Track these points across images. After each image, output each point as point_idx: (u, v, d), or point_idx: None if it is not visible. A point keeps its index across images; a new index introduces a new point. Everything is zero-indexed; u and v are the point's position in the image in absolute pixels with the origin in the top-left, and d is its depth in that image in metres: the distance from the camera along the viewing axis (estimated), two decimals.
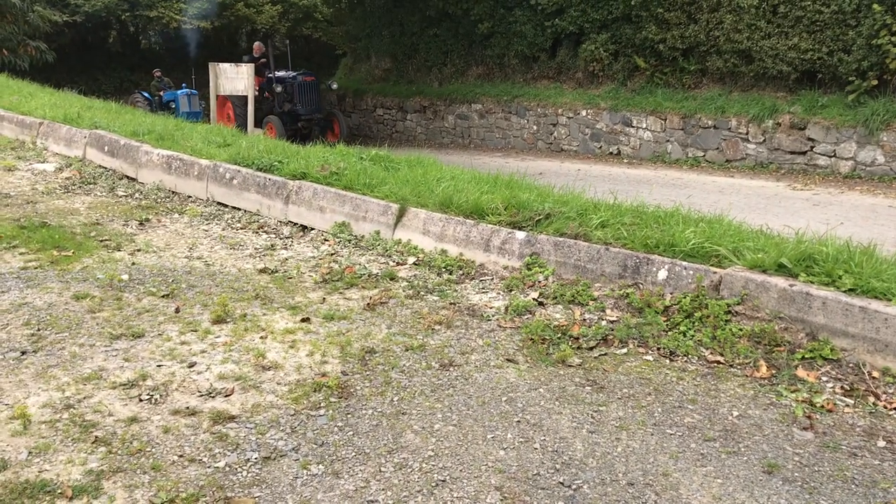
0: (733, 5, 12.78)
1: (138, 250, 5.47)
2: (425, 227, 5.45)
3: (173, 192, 7.29)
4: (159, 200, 7.08)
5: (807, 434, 3.02)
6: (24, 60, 21.27)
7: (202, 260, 5.32)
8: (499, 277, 4.87)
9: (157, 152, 7.60)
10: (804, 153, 11.99)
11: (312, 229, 6.08)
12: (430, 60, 19.17)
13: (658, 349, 3.83)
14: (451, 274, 4.98)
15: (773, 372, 3.53)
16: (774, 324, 3.71)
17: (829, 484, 2.70)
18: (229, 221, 6.40)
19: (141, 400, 3.27)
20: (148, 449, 2.89)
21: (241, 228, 6.22)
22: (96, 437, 2.96)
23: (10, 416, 3.08)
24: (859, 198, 9.87)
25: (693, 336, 3.86)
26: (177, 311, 4.28)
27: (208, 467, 2.78)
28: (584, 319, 4.19)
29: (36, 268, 4.96)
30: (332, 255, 5.47)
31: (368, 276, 4.96)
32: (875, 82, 11.32)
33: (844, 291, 3.60)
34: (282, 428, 3.06)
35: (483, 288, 4.77)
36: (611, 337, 3.97)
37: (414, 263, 5.20)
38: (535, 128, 16.20)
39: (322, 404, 3.26)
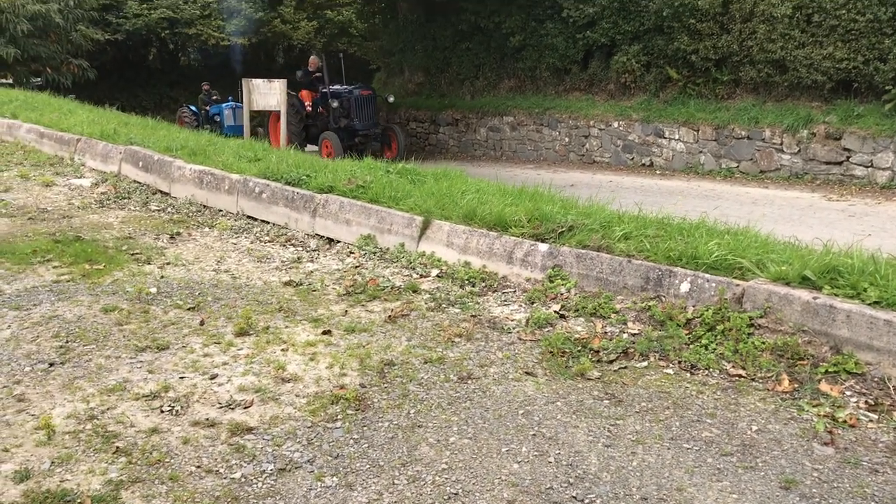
0: (766, 15, 12.65)
1: (168, 263, 5.57)
2: (449, 240, 5.47)
3: (204, 207, 7.41)
4: (190, 214, 7.20)
5: (827, 449, 2.97)
6: (67, 78, 21.85)
7: (229, 273, 5.40)
8: (521, 290, 4.87)
9: (190, 167, 7.74)
10: (840, 163, 11.80)
11: (339, 242, 6.14)
12: (463, 74, 19.25)
13: (679, 362, 3.80)
14: (473, 286, 4.99)
15: (796, 386, 3.47)
16: (798, 337, 3.66)
17: (847, 500, 2.65)
18: (258, 235, 6.48)
19: (162, 411, 3.33)
20: (167, 459, 2.94)
21: (269, 241, 6.30)
22: (117, 447, 3.01)
23: (36, 427, 3.15)
24: None
25: (715, 349, 3.82)
26: (201, 323, 4.35)
27: (224, 478, 2.82)
28: (606, 332, 4.16)
29: (68, 281, 5.07)
30: (356, 267, 5.51)
31: (391, 288, 4.99)
32: None
33: (869, 304, 3.54)
34: (298, 440, 3.09)
35: (505, 300, 4.77)
36: (631, 350, 3.94)
37: (437, 276, 5.22)
38: (566, 140, 16.17)
39: (339, 416, 3.28)
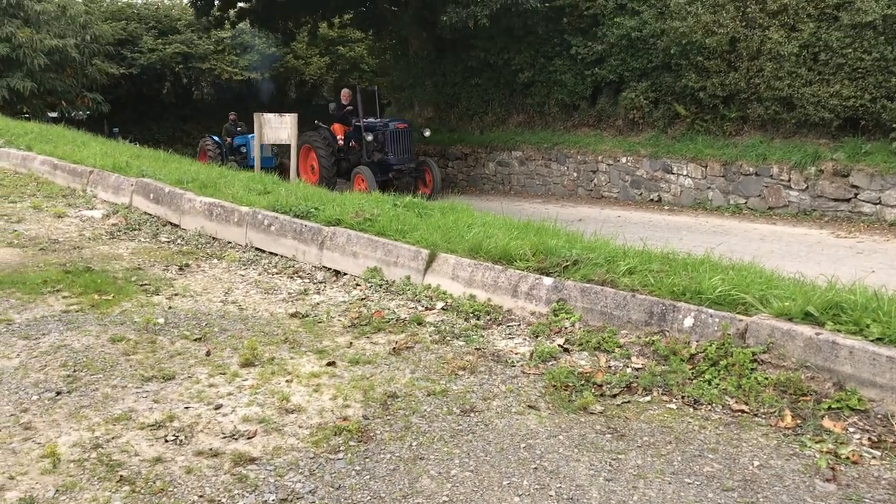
0: (773, 53, 12.79)
1: (176, 294, 5.62)
2: (454, 273, 5.50)
3: (214, 238, 7.48)
4: (200, 246, 7.26)
5: (829, 486, 2.96)
6: (81, 111, 22.14)
7: (236, 304, 5.44)
8: (526, 323, 4.89)
9: (200, 200, 7.83)
10: (848, 200, 11.83)
11: (345, 274, 6.18)
12: (472, 109, 19.45)
13: (682, 397, 3.80)
14: (478, 319, 5.01)
15: (799, 422, 3.47)
16: (801, 373, 3.66)
17: None
18: (266, 267, 6.54)
19: (167, 441, 3.35)
20: (170, 489, 2.96)
21: (277, 273, 6.35)
22: (121, 476, 3.03)
23: (41, 455, 3.18)
24: None
25: (718, 384, 3.82)
26: (208, 354, 4.38)
27: None
28: (609, 366, 4.17)
29: (77, 311, 5.13)
30: (362, 299, 5.55)
31: (396, 320, 5.02)
32: None
33: (872, 341, 3.54)
34: (300, 471, 3.10)
35: (510, 333, 4.78)
36: (635, 384, 3.94)
37: (442, 308, 5.25)
38: (575, 174, 16.27)
39: (341, 448, 3.29)
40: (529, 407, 3.73)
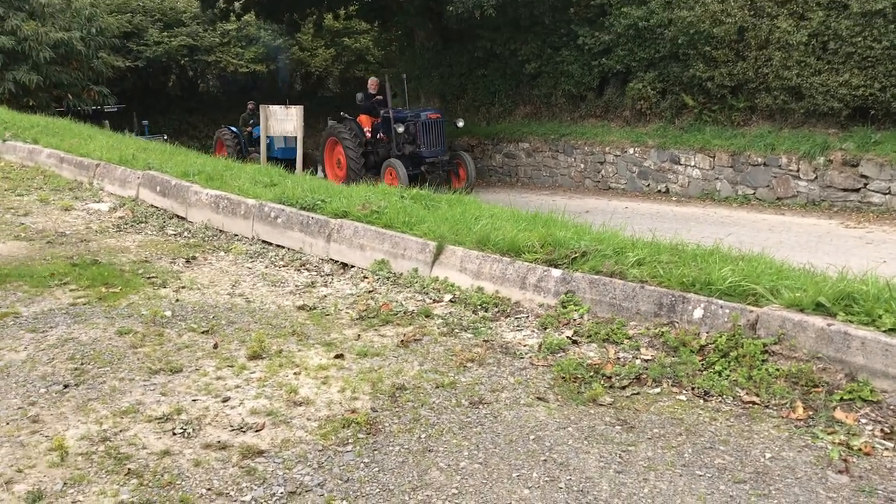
0: (782, 42, 12.69)
1: (183, 287, 5.61)
2: (462, 265, 5.48)
3: (220, 231, 7.47)
4: (206, 239, 7.25)
5: (842, 478, 2.93)
6: (87, 104, 22.14)
7: (243, 297, 5.43)
8: (534, 315, 4.86)
9: (206, 192, 7.81)
10: (857, 190, 11.74)
11: (353, 267, 6.16)
12: (478, 100, 19.39)
13: (692, 389, 3.77)
14: (486, 311, 4.99)
15: (810, 413, 3.44)
16: (812, 364, 3.63)
17: None
18: (272, 259, 6.52)
19: (174, 433, 3.34)
20: (178, 482, 2.95)
21: (284, 266, 6.33)
22: (129, 469, 3.03)
23: (49, 448, 3.17)
24: None
25: (728, 376, 3.79)
26: (215, 346, 4.37)
27: (235, 501, 2.82)
28: (618, 358, 4.15)
29: (84, 304, 5.12)
30: (370, 292, 5.53)
31: (404, 313, 5.00)
32: None
33: (884, 331, 3.51)
34: (309, 463, 3.09)
35: (518, 325, 4.76)
36: (644, 376, 3.92)
37: (450, 301, 5.23)
38: (582, 166, 16.20)
39: (350, 440, 3.28)
40: (538, 399, 3.71)
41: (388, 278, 5.79)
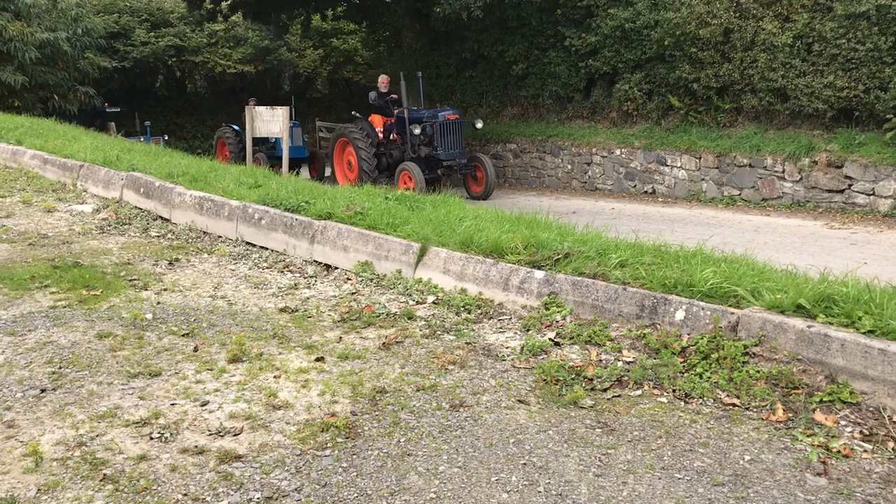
0: (767, 44, 12.75)
1: (165, 290, 5.57)
2: (446, 266, 5.46)
3: (204, 233, 7.43)
4: (190, 241, 7.21)
5: (820, 480, 2.93)
6: (74, 105, 22.01)
7: (225, 299, 5.40)
8: (517, 317, 4.85)
9: (190, 193, 7.77)
10: (842, 191, 11.81)
11: (336, 268, 6.14)
12: (466, 101, 19.39)
13: (673, 391, 3.77)
14: (469, 313, 4.97)
15: (790, 415, 3.44)
16: (792, 366, 3.63)
17: None
18: (256, 261, 6.49)
19: (152, 438, 3.31)
20: (154, 487, 2.92)
21: (267, 268, 6.30)
22: (105, 474, 2.99)
23: (24, 454, 3.13)
24: None
25: (709, 378, 3.79)
26: (195, 349, 4.33)
27: None
28: (600, 360, 4.14)
29: (64, 307, 5.07)
30: (353, 294, 5.51)
31: (387, 315, 4.98)
32: None
33: (864, 333, 3.51)
34: (287, 468, 3.07)
35: (500, 327, 4.75)
36: (626, 378, 3.91)
37: (433, 302, 5.21)
38: (569, 167, 16.23)
39: (328, 444, 3.26)
40: (519, 401, 3.70)
41: (371, 280, 5.77)
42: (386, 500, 2.84)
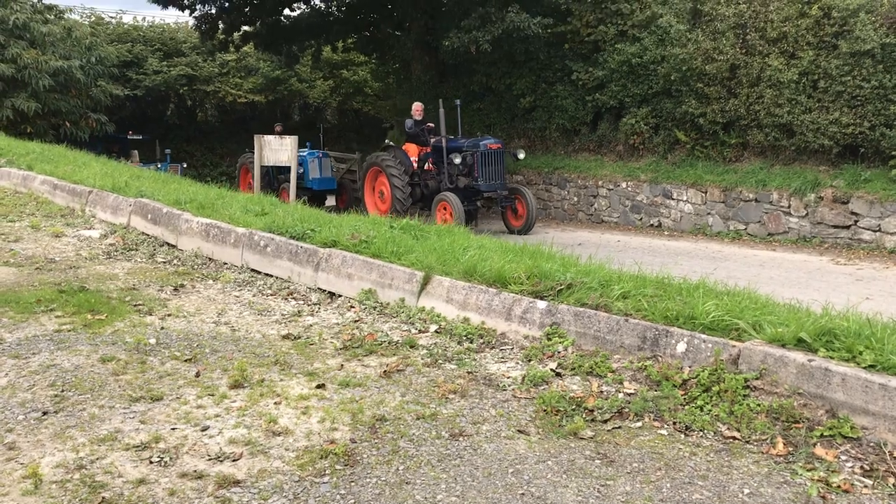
0: (773, 80, 12.84)
1: (169, 315, 5.60)
2: (449, 296, 5.48)
3: (210, 259, 7.47)
4: (196, 267, 7.25)
5: None
6: (85, 132, 22.27)
7: (229, 325, 5.42)
8: (519, 347, 4.86)
9: (197, 220, 7.83)
10: (848, 227, 11.81)
11: (340, 296, 6.16)
12: (474, 133, 19.50)
13: (674, 423, 3.76)
14: (471, 342, 4.98)
15: (790, 449, 3.43)
16: (793, 400, 3.62)
17: None
18: (260, 288, 6.52)
19: (151, 462, 3.31)
20: None
21: (272, 295, 6.33)
22: (103, 497, 3.00)
23: (24, 476, 3.14)
24: None
25: (710, 411, 3.78)
26: (197, 375, 4.35)
27: None
28: (601, 391, 4.14)
29: (69, 330, 5.10)
30: (355, 321, 5.52)
31: (389, 343, 4.99)
32: None
33: (865, 368, 3.51)
34: (285, 494, 3.07)
35: (502, 357, 4.75)
36: (626, 410, 3.90)
37: (435, 331, 5.22)
38: (575, 199, 16.29)
39: (327, 471, 3.26)
40: (519, 431, 3.70)
41: (374, 308, 5.78)
42: None
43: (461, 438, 3.60)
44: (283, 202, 10.07)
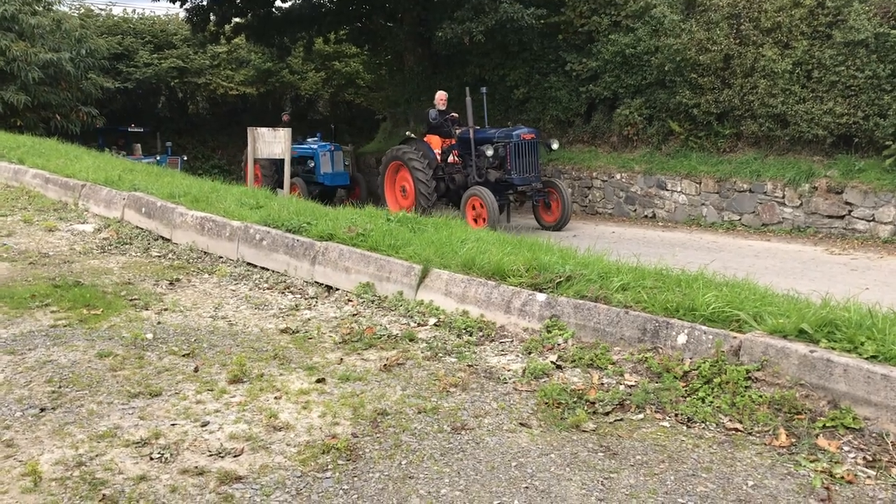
0: (767, 70, 12.83)
1: (165, 310, 5.56)
2: (447, 289, 5.46)
3: (205, 253, 7.43)
4: (191, 261, 7.21)
5: None
6: (76, 125, 22.11)
7: (226, 320, 5.39)
8: (518, 339, 4.85)
9: (192, 214, 7.78)
10: (842, 217, 11.83)
11: (337, 290, 6.14)
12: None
13: (675, 415, 3.75)
14: (471, 335, 4.96)
15: (793, 441, 3.42)
16: (795, 391, 3.62)
17: None
18: (257, 282, 6.48)
19: (152, 458, 3.29)
20: None
21: (268, 289, 6.30)
22: (104, 494, 2.97)
23: (23, 473, 3.11)
24: None
25: (712, 402, 3.78)
26: (196, 370, 4.32)
27: None
28: (602, 383, 4.13)
29: (65, 326, 5.06)
30: (354, 315, 5.50)
31: (388, 336, 4.97)
32: None
33: (866, 358, 3.51)
34: (287, 490, 3.05)
35: (502, 350, 4.74)
36: (628, 402, 3.90)
37: (434, 324, 5.20)
38: (569, 190, 16.23)
39: (329, 466, 3.24)
40: (521, 424, 3.68)
41: (372, 301, 5.76)
42: None
43: (463, 432, 3.59)
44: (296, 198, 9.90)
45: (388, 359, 4.55)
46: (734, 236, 12.49)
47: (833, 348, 3.64)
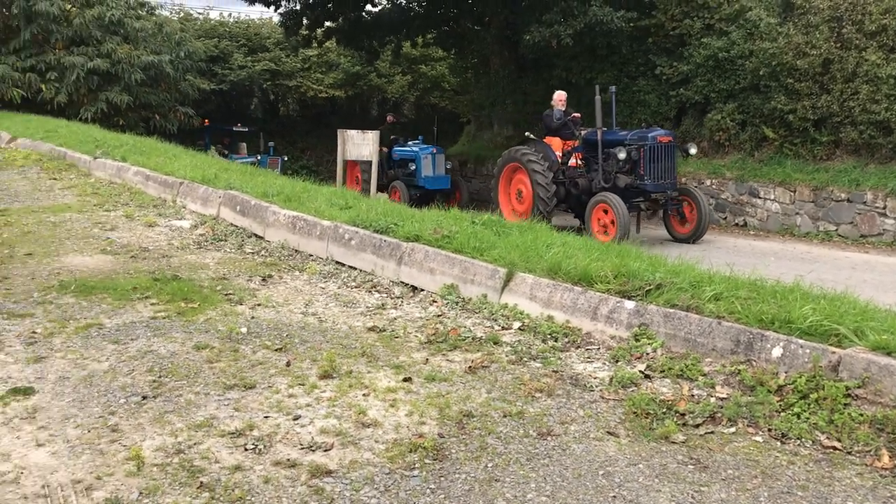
0: (870, 75, 12.32)
1: (258, 305, 5.73)
2: (532, 293, 5.45)
3: (296, 251, 7.62)
4: (282, 258, 7.41)
5: None
6: (174, 124, 23.03)
7: (316, 316, 5.51)
8: (605, 347, 4.80)
9: (284, 213, 7.99)
10: None
11: (422, 290, 6.20)
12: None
13: (769, 430, 3.65)
14: (556, 341, 4.94)
15: None
16: None
17: None
18: (345, 280, 6.61)
19: (246, 449, 3.39)
20: (248, 497, 2.99)
21: (356, 287, 6.41)
22: (202, 482, 3.09)
23: (127, 457, 3.26)
24: None
25: (808, 418, 3.66)
26: (288, 364, 4.44)
27: None
28: (692, 395, 4.05)
29: (164, 318, 5.28)
30: (438, 316, 5.54)
31: (472, 338, 5.00)
32: None
33: None
34: (376, 486, 3.10)
35: (588, 357, 4.70)
36: (719, 415, 3.81)
37: (519, 328, 5.20)
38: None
39: (416, 465, 3.28)
40: (608, 433, 3.65)
41: (456, 303, 5.79)
42: None
43: (549, 438, 3.58)
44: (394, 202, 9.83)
45: (472, 361, 4.57)
46: (830, 247, 12.04)
47: None
